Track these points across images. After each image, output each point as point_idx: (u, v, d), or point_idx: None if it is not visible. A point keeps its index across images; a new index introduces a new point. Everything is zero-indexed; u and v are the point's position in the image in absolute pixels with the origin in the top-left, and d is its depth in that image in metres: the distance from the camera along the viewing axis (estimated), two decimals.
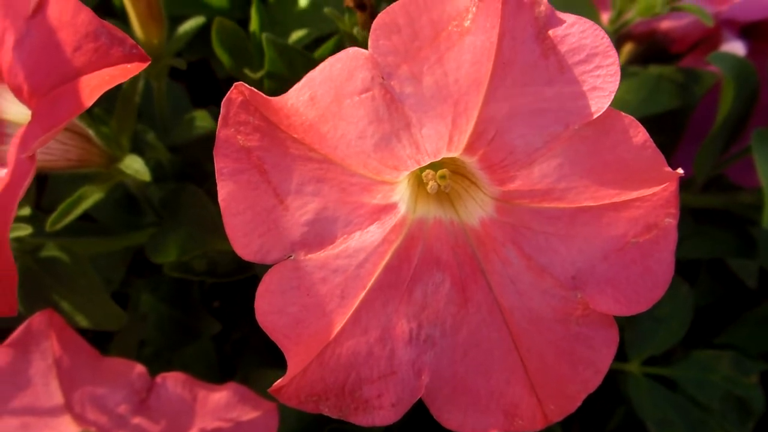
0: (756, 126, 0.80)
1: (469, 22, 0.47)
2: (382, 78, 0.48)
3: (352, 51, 0.48)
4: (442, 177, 0.55)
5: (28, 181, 0.55)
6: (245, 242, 0.51)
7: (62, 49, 0.55)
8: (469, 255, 0.56)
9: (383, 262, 0.54)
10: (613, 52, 0.48)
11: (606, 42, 0.48)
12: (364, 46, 0.48)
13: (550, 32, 0.48)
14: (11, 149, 0.56)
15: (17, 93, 0.58)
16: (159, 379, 0.66)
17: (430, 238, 0.56)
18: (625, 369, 0.84)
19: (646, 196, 0.51)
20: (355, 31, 0.69)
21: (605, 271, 0.53)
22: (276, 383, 0.53)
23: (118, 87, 0.62)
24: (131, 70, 0.54)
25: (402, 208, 0.54)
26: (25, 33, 0.57)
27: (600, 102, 0.49)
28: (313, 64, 0.49)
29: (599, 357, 0.55)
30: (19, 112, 0.64)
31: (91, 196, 0.70)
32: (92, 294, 0.72)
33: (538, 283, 0.54)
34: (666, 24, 0.89)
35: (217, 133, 0.49)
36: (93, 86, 0.54)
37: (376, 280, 0.53)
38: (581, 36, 0.48)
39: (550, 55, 0.48)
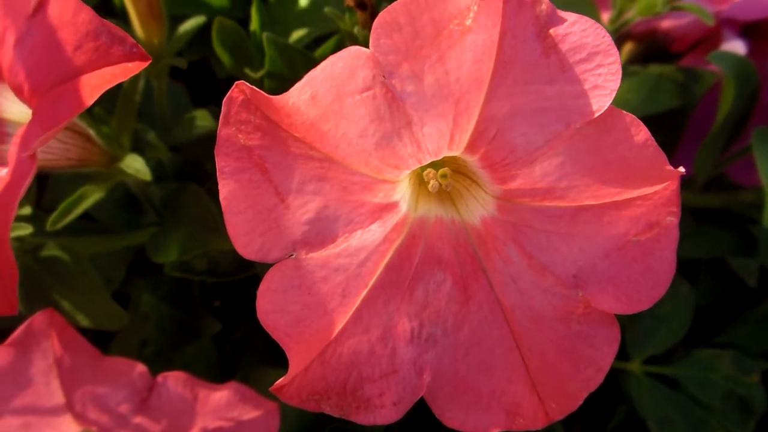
0: (756, 125, 0.80)
1: (470, 20, 0.47)
2: (384, 77, 0.48)
3: (353, 50, 0.48)
4: (444, 176, 0.55)
5: (28, 180, 0.55)
6: (246, 241, 0.51)
7: (63, 48, 0.55)
8: (471, 254, 0.56)
9: (384, 261, 0.54)
10: (615, 50, 0.48)
11: (607, 40, 0.48)
12: (365, 45, 0.48)
13: (552, 31, 0.48)
14: (12, 148, 0.56)
15: (18, 92, 0.58)
16: (160, 378, 0.66)
17: (431, 236, 0.56)
18: (626, 368, 0.84)
19: (648, 195, 0.51)
20: (356, 30, 0.69)
21: (606, 270, 0.53)
22: (277, 382, 0.53)
23: (119, 86, 0.62)
24: (132, 69, 0.54)
25: (403, 207, 0.54)
26: (25, 32, 0.57)
27: (601, 100, 0.49)
28: (313, 63, 0.49)
29: (601, 355, 0.55)
30: (19, 112, 0.64)
31: (92, 196, 0.70)
32: (93, 293, 0.72)
33: (540, 282, 0.54)
34: (666, 23, 0.89)
35: (218, 131, 0.49)
36: (93, 85, 0.54)
37: (378, 278, 0.53)
38: (582, 35, 0.48)
39: (551, 54, 0.48)
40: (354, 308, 0.53)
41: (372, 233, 0.53)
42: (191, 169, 0.80)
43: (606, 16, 0.85)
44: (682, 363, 0.84)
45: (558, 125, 0.49)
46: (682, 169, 0.49)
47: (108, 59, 0.54)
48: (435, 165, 0.54)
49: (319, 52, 0.72)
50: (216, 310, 0.89)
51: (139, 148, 0.74)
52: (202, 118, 0.77)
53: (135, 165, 0.69)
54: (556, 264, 0.54)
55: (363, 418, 0.55)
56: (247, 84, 0.48)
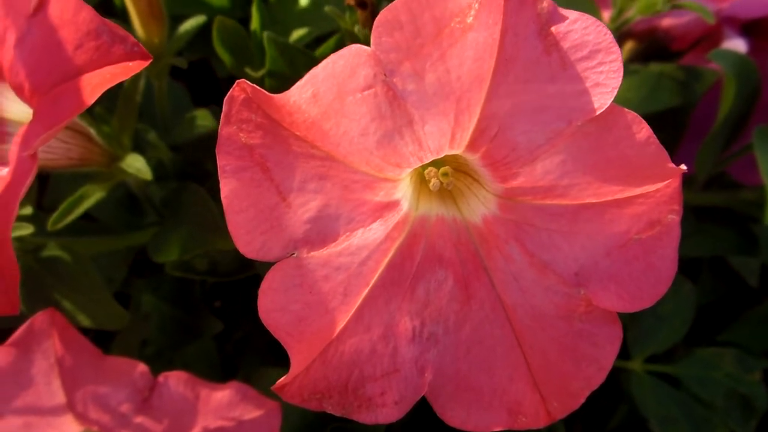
0: (757, 123, 0.80)
1: (471, 18, 0.47)
2: (385, 75, 0.48)
3: (354, 48, 0.48)
4: (445, 174, 0.55)
5: (29, 179, 0.55)
6: (248, 240, 0.51)
7: (63, 47, 0.55)
8: (472, 252, 0.56)
9: (386, 260, 0.53)
10: (616, 48, 0.48)
11: (609, 38, 0.48)
12: (365, 44, 0.48)
13: (553, 29, 0.48)
14: (13, 148, 0.55)
15: (18, 91, 0.58)
16: (161, 378, 0.66)
17: (432, 235, 0.56)
18: (627, 367, 0.84)
19: (649, 193, 0.51)
20: (356, 29, 0.69)
21: (608, 268, 0.53)
22: (279, 381, 0.53)
23: (119, 86, 0.62)
24: (133, 68, 0.54)
25: (404, 206, 0.54)
26: (26, 31, 0.57)
27: (603, 98, 0.49)
28: (314, 62, 0.49)
29: (602, 354, 0.54)
30: (20, 111, 0.64)
31: (93, 196, 0.70)
32: (94, 293, 0.72)
33: (541, 280, 0.54)
34: (667, 22, 0.89)
35: (219, 130, 0.49)
36: (94, 84, 0.54)
37: (379, 277, 0.53)
38: (584, 32, 0.48)
39: (552, 52, 0.48)
40: (355, 307, 0.53)
41: (373, 232, 0.53)
42: (192, 168, 0.79)
43: (606, 15, 0.85)
44: (684, 362, 0.84)
45: (559, 123, 0.49)
46: (683, 167, 0.49)
47: (109, 58, 0.54)
48: (436, 163, 0.54)
49: (319, 51, 0.72)
50: (217, 310, 0.89)
51: (139, 147, 0.74)
52: (202, 118, 0.77)
53: (136, 164, 0.69)
54: (557, 262, 0.54)
55: (365, 417, 0.55)
56: (249, 83, 0.48)
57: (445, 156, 0.52)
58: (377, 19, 0.47)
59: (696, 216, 0.87)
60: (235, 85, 0.48)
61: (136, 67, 0.54)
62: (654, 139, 0.49)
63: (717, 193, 0.89)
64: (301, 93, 0.48)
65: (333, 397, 0.54)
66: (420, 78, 0.48)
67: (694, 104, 0.85)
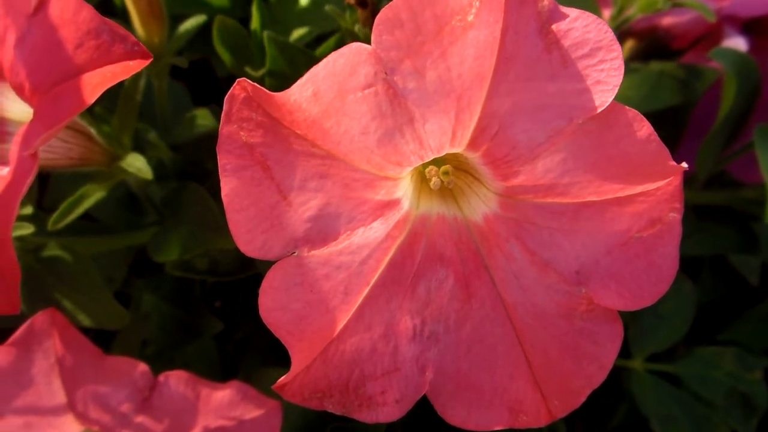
0: (758, 122, 0.80)
1: (472, 16, 0.47)
2: (385, 73, 0.48)
3: (355, 46, 0.48)
4: (445, 173, 0.55)
5: (30, 179, 0.55)
6: (248, 238, 0.51)
7: (64, 46, 0.55)
8: (473, 251, 0.55)
9: (386, 259, 0.53)
10: (617, 46, 0.48)
11: (609, 36, 0.48)
12: (366, 43, 0.48)
13: (554, 27, 0.48)
14: (13, 147, 0.55)
15: (19, 91, 0.58)
16: (162, 377, 0.66)
17: (433, 234, 0.56)
18: (628, 366, 0.84)
19: (651, 191, 0.51)
20: (357, 28, 0.69)
21: (609, 266, 0.53)
22: (279, 380, 0.53)
23: (120, 85, 0.62)
24: (133, 67, 0.54)
25: (405, 205, 0.54)
26: (26, 31, 0.57)
27: (604, 96, 0.49)
28: (314, 61, 0.49)
29: (604, 352, 0.54)
30: (20, 110, 0.64)
31: (93, 195, 0.70)
32: (94, 293, 0.72)
33: (542, 279, 0.54)
34: (667, 20, 0.88)
35: (220, 129, 0.49)
36: (95, 84, 0.54)
37: (380, 276, 0.53)
38: (584, 30, 0.48)
39: (553, 50, 0.48)
40: (356, 306, 0.53)
41: (374, 231, 0.53)
42: (192, 168, 0.79)
43: (607, 13, 0.85)
44: (685, 360, 0.84)
45: (560, 121, 0.49)
46: (685, 165, 0.49)
47: (109, 57, 0.54)
48: (437, 162, 0.54)
49: (319, 50, 0.72)
50: (217, 310, 0.89)
51: (139, 147, 0.74)
52: (202, 117, 0.77)
53: (136, 164, 0.69)
54: (558, 260, 0.54)
55: (365, 416, 0.55)
56: (249, 81, 0.47)
57: (446, 154, 0.52)
58: (378, 17, 0.47)
59: (696, 215, 0.87)
60: (235, 83, 0.48)
61: (136, 66, 0.54)
62: (655, 137, 0.49)
63: (717, 191, 0.89)
64: (302, 91, 0.48)
65: (334, 396, 0.54)
66: (421, 76, 0.48)
67: (694, 103, 0.85)
